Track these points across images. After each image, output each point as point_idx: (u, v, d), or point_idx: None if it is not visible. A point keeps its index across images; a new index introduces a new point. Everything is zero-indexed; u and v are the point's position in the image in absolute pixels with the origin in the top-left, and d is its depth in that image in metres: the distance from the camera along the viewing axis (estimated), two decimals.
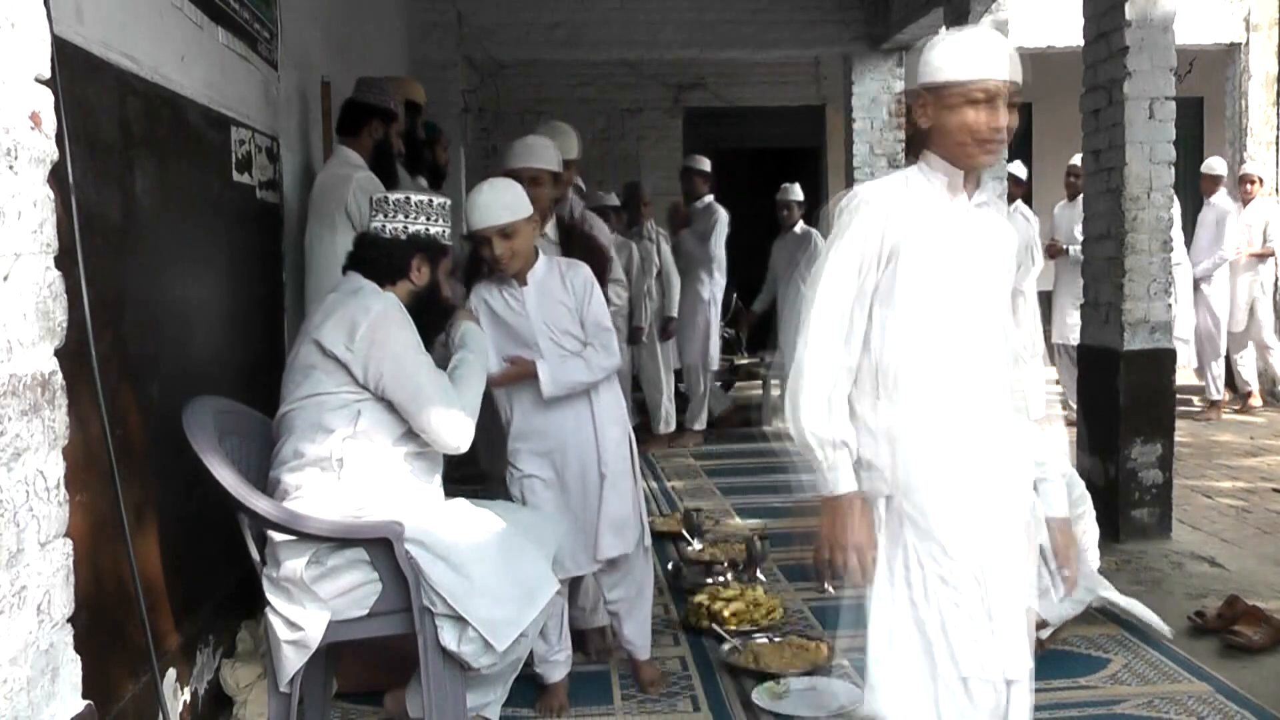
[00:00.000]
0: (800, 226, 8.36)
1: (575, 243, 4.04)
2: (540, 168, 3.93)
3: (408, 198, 3.12)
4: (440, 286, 3.18)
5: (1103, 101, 5.36)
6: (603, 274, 4.02)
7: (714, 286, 8.15)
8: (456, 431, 2.98)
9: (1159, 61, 5.15)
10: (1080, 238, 7.96)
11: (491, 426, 4.04)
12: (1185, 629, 4.00)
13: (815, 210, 8.46)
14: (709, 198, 8.22)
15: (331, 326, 2.92)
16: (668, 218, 8.19)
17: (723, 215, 8.07)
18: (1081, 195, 7.99)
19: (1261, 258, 8.66)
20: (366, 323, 2.90)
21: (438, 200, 3.16)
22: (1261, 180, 8.68)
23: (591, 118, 12.21)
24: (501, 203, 3.35)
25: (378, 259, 3.08)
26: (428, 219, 3.12)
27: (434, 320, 3.20)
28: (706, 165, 8.31)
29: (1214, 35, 10.06)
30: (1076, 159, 8.39)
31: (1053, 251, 8.37)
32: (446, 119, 7.61)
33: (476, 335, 3.27)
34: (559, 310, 3.45)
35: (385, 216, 3.10)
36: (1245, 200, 8.67)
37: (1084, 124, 5.55)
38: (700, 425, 8.22)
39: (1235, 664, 3.69)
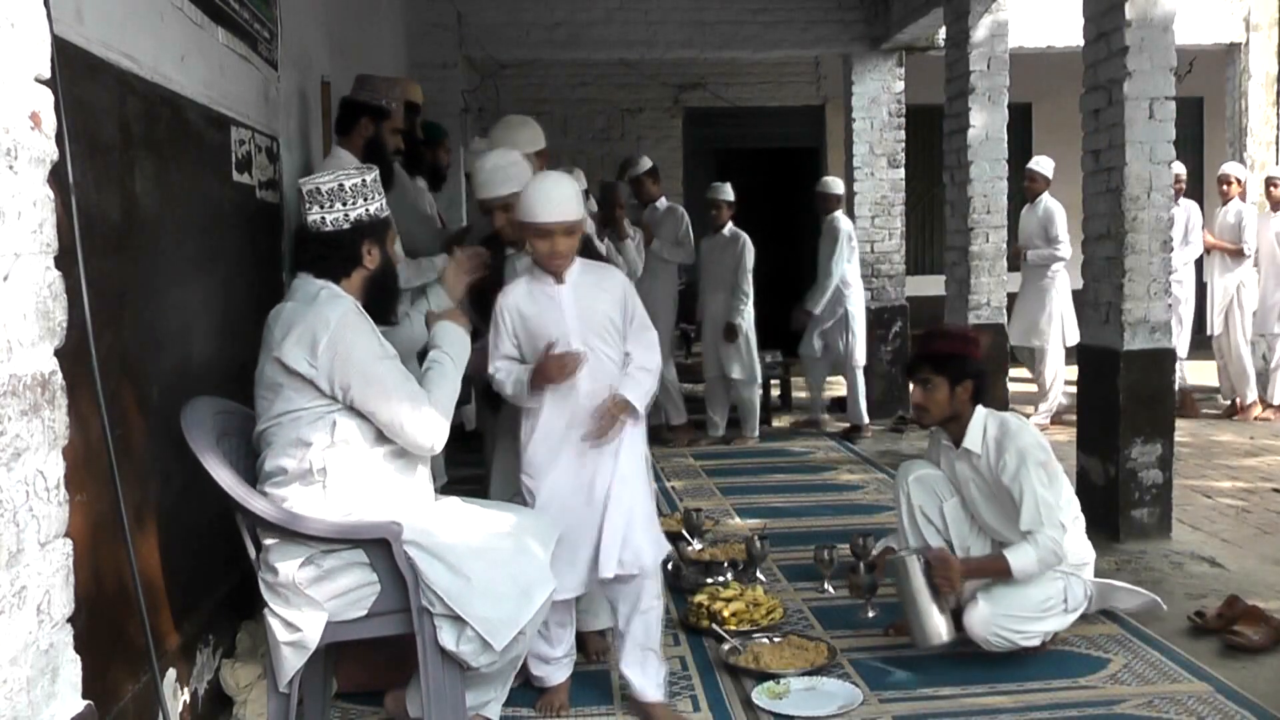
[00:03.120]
0: (730, 228, 7.95)
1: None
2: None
3: (340, 184, 3.00)
4: (392, 261, 3.15)
5: (1103, 101, 5.36)
6: None
7: (674, 288, 8.08)
8: (428, 432, 2.96)
9: (1159, 61, 5.16)
10: (1038, 243, 8.11)
11: (495, 424, 4.02)
12: (1185, 629, 4.01)
13: (813, 211, 8.41)
14: (663, 200, 8.06)
15: (292, 343, 2.86)
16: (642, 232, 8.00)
17: (686, 215, 7.96)
18: (1040, 198, 8.15)
19: (1230, 254, 8.53)
20: (327, 336, 2.85)
21: (369, 176, 3.06)
22: (1239, 180, 8.62)
23: (591, 118, 12.23)
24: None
25: (328, 255, 3.00)
26: (365, 199, 3.02)
27: (392, 298, 3.18)
28: (648, 164, 8.05)
29: (1214, 35, 10.07)
30: (1033, 162, 8.39)
31: (1015, 252, 8.25)
32: (447, 119, 7.59)
33: (452, 334, 3.21)
34: (594, 312, 3.38)
35: (322, 208, 2.99)
36: (1224, 200, 8.62)
37: (1084, 124, 5.55)
38: (680, 419, 8.10)
39: (1235, 664, 3.69)
